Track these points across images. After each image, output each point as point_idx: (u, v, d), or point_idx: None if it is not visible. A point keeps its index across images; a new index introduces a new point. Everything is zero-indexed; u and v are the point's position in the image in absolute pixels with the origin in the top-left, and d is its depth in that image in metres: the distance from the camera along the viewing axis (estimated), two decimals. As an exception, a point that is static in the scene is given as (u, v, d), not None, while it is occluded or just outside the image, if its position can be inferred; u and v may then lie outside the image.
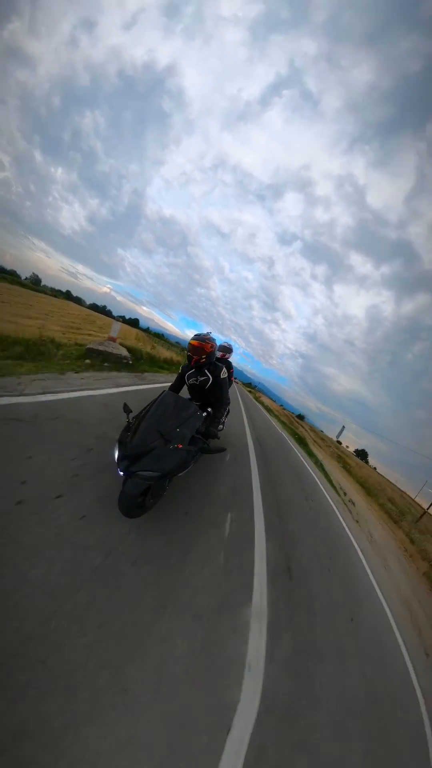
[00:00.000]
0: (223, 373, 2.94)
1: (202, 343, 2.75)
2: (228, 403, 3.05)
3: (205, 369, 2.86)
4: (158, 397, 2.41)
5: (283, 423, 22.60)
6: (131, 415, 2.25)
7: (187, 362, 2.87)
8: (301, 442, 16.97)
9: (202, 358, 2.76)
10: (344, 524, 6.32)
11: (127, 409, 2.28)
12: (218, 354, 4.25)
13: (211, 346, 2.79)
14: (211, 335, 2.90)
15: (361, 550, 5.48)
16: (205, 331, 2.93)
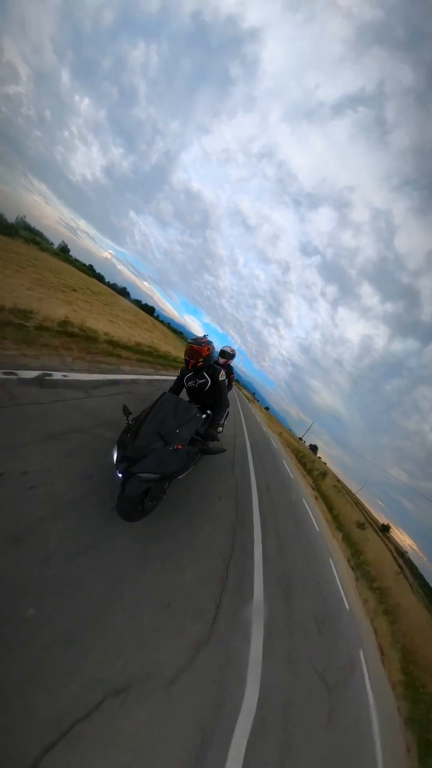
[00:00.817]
0: (222, 376, 2.97)
1: (199, 347, 2.78)
2: (227, 406, 3.09)
3: (203, 372, 2.89)
4: (158, 399, 2.41)
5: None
6: (131, 417, 2.25)
7: (190, 370, 2.88)
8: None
9: (199, 362, 2.78)
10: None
11: (126, 411, 2.27)
12: (221, 360, 4.24)
13: (208, 350, 2.82)
14: (208, 338, 2.93)
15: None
16: (201, 334, 3.02)
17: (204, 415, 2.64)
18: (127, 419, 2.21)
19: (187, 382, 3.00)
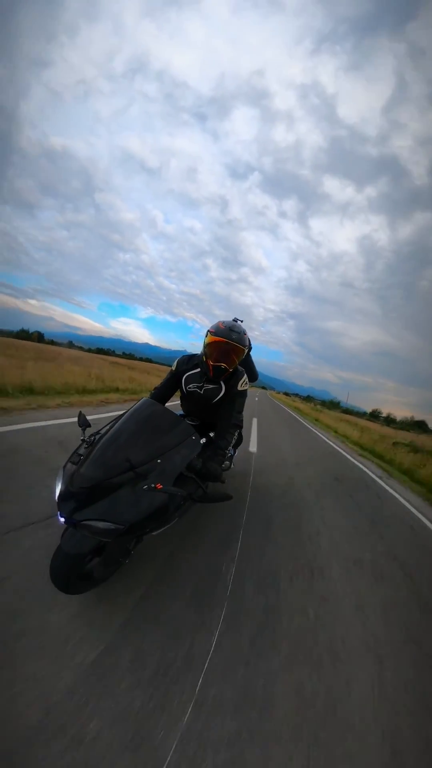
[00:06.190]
0: (243, 384, 2.01)
1: (237, 344, 1.79)
2: (240, 426, 2.18)
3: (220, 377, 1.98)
4: (132, 407, 1.72)
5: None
6: (88, 431, 1.58)
7: (197, 366, 2.02)
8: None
9: (230, 369, 1.86)
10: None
11: (83, 422, 1.61)
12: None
13: (247, 348, 1.91)
14: (242, 326, 1.97)
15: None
16: (232, 319, 1.97)
17: (203, 440, 1.88)
18: (83, 434, 1.54)
19: (187, 384, 2.03)
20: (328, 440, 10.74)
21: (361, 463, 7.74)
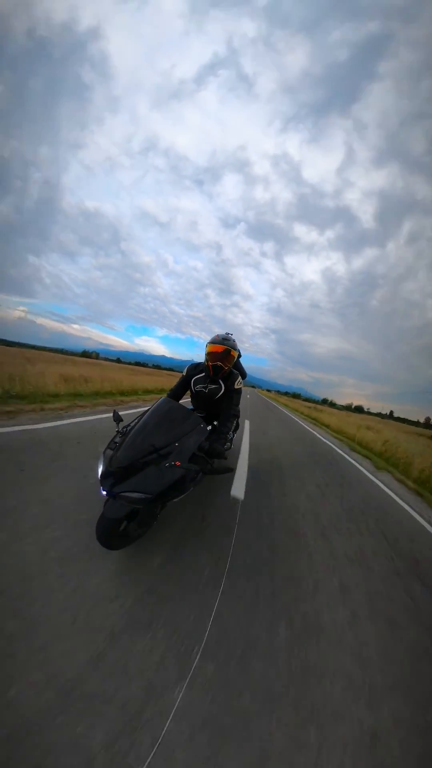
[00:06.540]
0: (238, 383, 2.56)
1: (229, 348, 2.35)
2: (237, 416, 2.65)
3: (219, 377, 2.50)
4: (154, 404, 2.08)
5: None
6: (121, 425, 1.93)
7: (202, 371, 2.52)
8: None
9: (226, 368, 2.39)
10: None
11: (117, 417, 1.96)
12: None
13: (238, 353, 2.45)
14: (233, 338, 2.52)
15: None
16: (224, 333, 2.54)
17: (209, 427, 2.28)
18: (117, 427, 1.89)
19: (195, 385, 2.56)
20: (286, 412, 19.13)
21: (313, 429, 12.32)
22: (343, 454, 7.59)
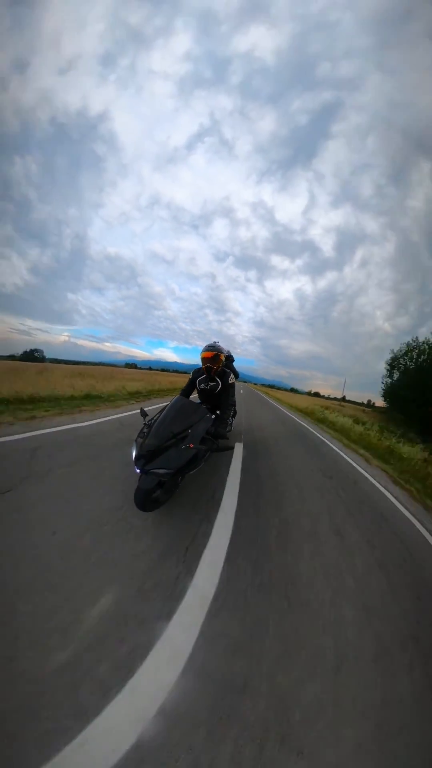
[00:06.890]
0: (231, 379, 3.14)
1: (218, 353, 2.92)
2: (234, 405, 3.22)
3: (216, 375, 3.03)
4: (171, 401, 2.58)
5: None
6: (147, 419, 2.42)
7: (203, 373, 3.05)
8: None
9: (219, 367, 2.93)
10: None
11: (143, 413, 2.45)
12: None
13: (224, 355, 3.02)
14: (219, 344, 3.06)
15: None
16: (212, 341, 3.08)
17: (213, 416, 2.79)
18: (144, 420, 2.39)
19: (199, 384, 3.11)
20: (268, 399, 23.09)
21: (291, 413, 14.51)
22: (296, 419, 11.79)
